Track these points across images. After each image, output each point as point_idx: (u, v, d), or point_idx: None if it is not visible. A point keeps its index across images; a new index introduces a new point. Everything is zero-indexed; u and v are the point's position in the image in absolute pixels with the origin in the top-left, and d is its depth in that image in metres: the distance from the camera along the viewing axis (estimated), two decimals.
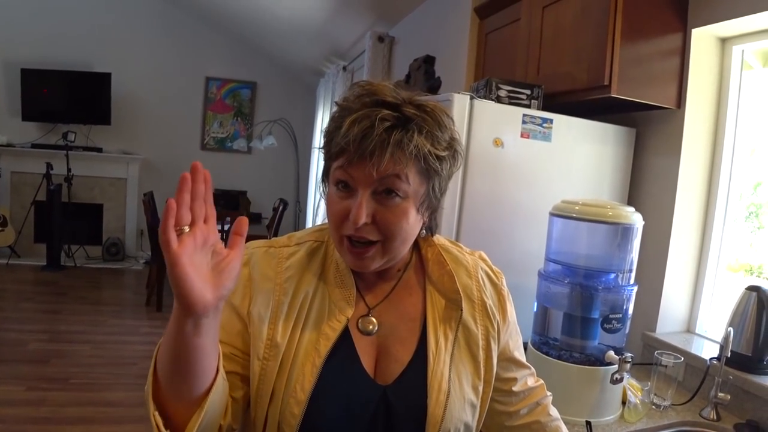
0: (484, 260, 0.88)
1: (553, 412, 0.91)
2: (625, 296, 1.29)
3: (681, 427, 1.31)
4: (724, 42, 1.60)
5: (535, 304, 1.40)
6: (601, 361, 1.25)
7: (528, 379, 0.89)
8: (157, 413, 0.60)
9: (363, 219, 0.68)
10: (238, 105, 6.10)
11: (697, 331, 1.66)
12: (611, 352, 1.24)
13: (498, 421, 0.88)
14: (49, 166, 5.03)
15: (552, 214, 1.38)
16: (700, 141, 1.61)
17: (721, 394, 1.29)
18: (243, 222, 0.61)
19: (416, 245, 0.85)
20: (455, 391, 0.76)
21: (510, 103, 1.57)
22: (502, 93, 1.57)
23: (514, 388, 0.87)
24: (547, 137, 1.56)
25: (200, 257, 0.56)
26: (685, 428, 1.31)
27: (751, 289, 1.37)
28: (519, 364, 0.88)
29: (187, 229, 0.54)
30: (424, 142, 0.69)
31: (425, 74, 2.40)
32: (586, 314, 1.29)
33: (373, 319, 0.79)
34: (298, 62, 5.64)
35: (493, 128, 1.51)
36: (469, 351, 0.80)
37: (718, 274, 1.64)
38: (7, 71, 5.26)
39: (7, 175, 5.35)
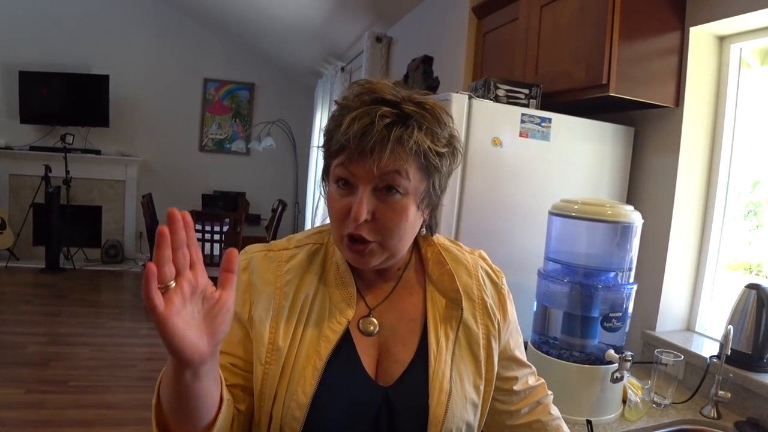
0: (484, 259, 0.88)
1: (554, 411, 0.91)
2: (624, 295, 1.29)
3: (682, 426, 1.31)
4: (722, 40, 1.60)
5: (535, 303, 1.40)
6: (601, 360, 1.25)
7: (529, 378, 0.89)
8: None
9: (364, 215, 0.68)
10: (236, 106, 6.09)
11: (696, 330, 1.66)
12: (611, 351, 1.24)
13: (499, 420, 0.88)
14: (48, 168, 5.04)
15: (551, 213, 1.38)
16: (699, 139, 1.61)
17: (721, 392, 1.29)
18: (232, 257, 0.56)
19: (416, 244, 0.85)
20: (457, 391, 0.76)
21: (508, 103, 1.57)
22: (501, 92, 1.57)
23: (515, 387, 0.87)
24: (545, 136, 1.56)
25: (190, 309, 0.52)
26: (685, 426, 1.31)
27: (751, 287, 1.37)
28: (520, 363, 0.88)
29: (173, 284, 0.50)
30: (424, 138, 0.69)
31: (423, 74, 2.40)
32: (586, 313, 1.29)
33: (374, 320, 0.78)
34: (296, 63, 5.63)
35: (492, 128, 1.51)
36: (470, 350, 0.79)
37: (718, 273, 1.64)
38: (5, 74, 5.25)
39: (6, 177, 5.34)
